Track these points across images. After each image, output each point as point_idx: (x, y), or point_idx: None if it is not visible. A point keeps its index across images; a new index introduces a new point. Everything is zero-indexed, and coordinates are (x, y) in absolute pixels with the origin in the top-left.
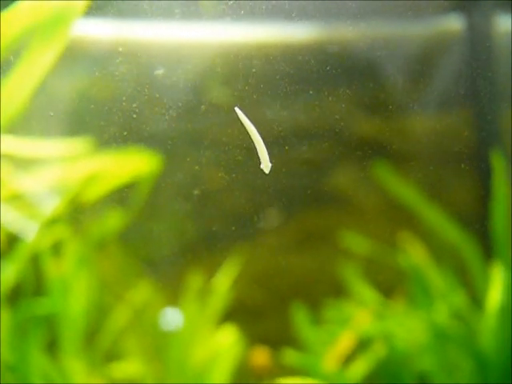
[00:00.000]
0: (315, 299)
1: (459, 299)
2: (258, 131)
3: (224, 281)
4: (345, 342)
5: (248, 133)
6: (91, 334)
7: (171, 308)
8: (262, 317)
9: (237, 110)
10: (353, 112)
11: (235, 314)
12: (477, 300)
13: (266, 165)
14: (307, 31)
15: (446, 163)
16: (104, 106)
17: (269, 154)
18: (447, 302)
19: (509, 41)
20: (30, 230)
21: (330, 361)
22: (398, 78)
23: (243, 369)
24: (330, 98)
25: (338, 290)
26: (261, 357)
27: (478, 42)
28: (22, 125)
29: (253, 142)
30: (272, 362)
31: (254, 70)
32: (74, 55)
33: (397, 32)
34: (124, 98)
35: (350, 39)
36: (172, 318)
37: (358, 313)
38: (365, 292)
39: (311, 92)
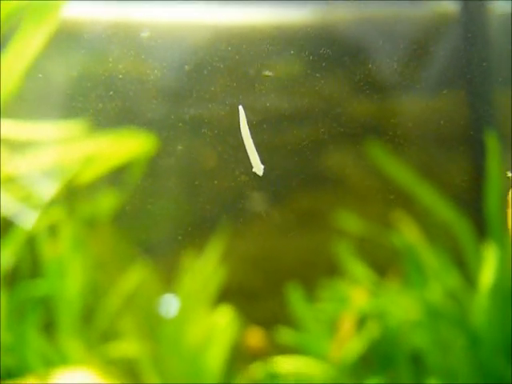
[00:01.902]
0: (310, 279)
1: (452, 278)
2: (252, 113)
3: (218, 262)
4: (346, 326)
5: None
6: (88, 315)
7: (167, 293)
8: (257, 298)
9: (240, 109)
10: (347, 93)
11: (230, 295)
12: (470, 279)
13: (258, 168)
14: (301, 13)
15: (439, 144)
16: (98, 89)
17: (263, 135)
18: (441, 281)
19: (503, 23)
20: (25, 214)
21: (335, 349)
22: (393, 59)
23: (238, 350)
24: (325, 80)
25: (333, 271)
26: (255, 338)
27: (472, 24)
28: (17, 108)
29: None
30: (266, 342)
31: (247, 53)
32: (69, 37)
33: (392, 14)
34: (118, 81)
35: (344, 21)
36: (168, 303)
37: (353, 292)
38: (359, 271)
39: (305, 73)
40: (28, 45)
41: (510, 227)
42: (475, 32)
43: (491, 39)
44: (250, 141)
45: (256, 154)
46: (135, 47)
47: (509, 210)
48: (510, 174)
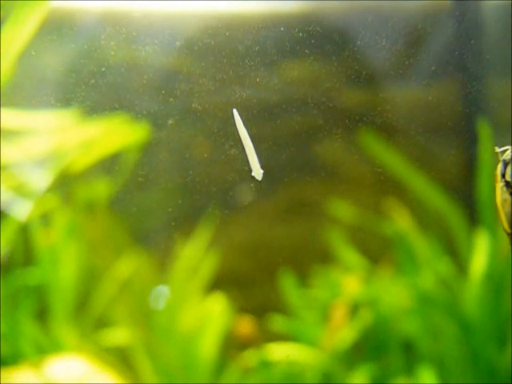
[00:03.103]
0: (303, 267)
1: (444, 266)
2: (244, 101)
3: (211, 250)
4: (338, 314)
5: (240, 136)
6: (81, 302)
7: (159, 283)
8: (249, 286)
9: (235, 113)
10: (340, 82)
11: (223, 283)
12: (462, 267)
13: (257, 172)
14: (294, 2)
15: (432, 133)
16: (92, 77)
17: (256, 124)
18: (432, 268)
19: (497, 13)
20: (19, 202)
21: (327, 338)
22: (386, 49)
23: (229, 338)
24: (318, 69)
25: (326, 258)
26: (246, 326)
27: (466, 14)
28: (10, 96)
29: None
30: (257, 331)
31: (239, 42)
32: (61, 26)
33: (385, 4)
34: (112, 69)
35: (337, 10)
36: (159, 295)
37: (345, 279)
38: (352, 259)
39: (298, 63)
40: (19, 32)
41: (498, 202)
42: (468, 22)
43: (484, 29)
44: (250, 145)
45: (256, 158)
46: (128, 35)
47: (497, 185)
48: (497, 150)
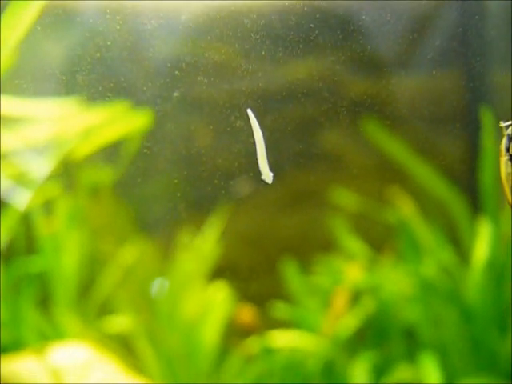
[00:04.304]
0: (305, 256)
1: (447, 254)
2: (248, 90)
3: (215, 239)
4: (339, 301)
5: (254, 136)
6: (84, 289)
7: (162, 270)
8: (252, 275)
9: (249, 112)
10: (343, 71)
11: (225, 272)
12: (464, 254)
13: (267, 175)
14: None
15: (435, 121)
16: (93, 65)
17: (260, 113)
18: (435, 256)
19: (500, 2)
20: (21, 190)
21: (328, 325)
22: (390, 37)
23: (230, 326)
24: (321, 58)
25: (328, 247)
26: (248, 315)
27: (469, 3)
28: (12, 85)
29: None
30: (259, 319)
31: (245, 30)
32: (63, 14)
33: None
34: (114, 56)
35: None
36: (160, 285)
37: (348, 267)
38: (354, 247)
39: (302, 52)
40: (19, 20)
41: (502, 176)
42: (472, 11)
43: (488, 18)
44: (263, 147)
45: (266, 161)
46: (129, 22)
47: (501, 159)
48: (502, 124)
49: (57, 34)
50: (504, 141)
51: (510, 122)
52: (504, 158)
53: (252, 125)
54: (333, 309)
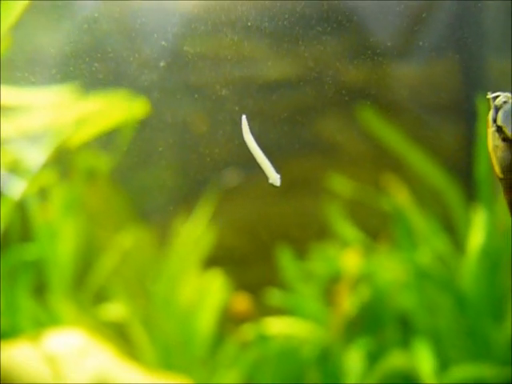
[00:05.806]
0: (301, 243)
1: (441, 242)
2: (244, 78)
3: (209, 226)
4: (343, 294)
5: (249, 147)
6: (80, 277)
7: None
8: (247, 262)
9: (243, 120)
10: (339, 59)
11: (221, 260)
12: (459, 243)
13: (273, 179)
14: None
15: (431, 109)
16: (90, 52)
17: (255, 100)
18: (430, 244)
19: None
20: (16, 178)
21: (335, 320)
22: (386, 26)
23: (226, 314)
24: (316, 46)
25: (324, 234)
26: (242, 303)
27: None
28: (6, 73)
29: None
30: (255, 307)
31: (240, 18)
32: (60, 1)
33: None
34: (110, 44)
35: None
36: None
37: (344, 254)
38: (350, 234)
39: (297, 40)
40: (12, 5)
41: (490, 148)
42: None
43: (484, 7)
44: (261, 153)
45: (268, 163)
46: (127, 11)
47: (488, 130)
48: (489, 96)
49: (52, 22)
50: (491, 112)
51: (496, 94)
52: (491, 130)
53: (244, 134)
54: (338, 306)
